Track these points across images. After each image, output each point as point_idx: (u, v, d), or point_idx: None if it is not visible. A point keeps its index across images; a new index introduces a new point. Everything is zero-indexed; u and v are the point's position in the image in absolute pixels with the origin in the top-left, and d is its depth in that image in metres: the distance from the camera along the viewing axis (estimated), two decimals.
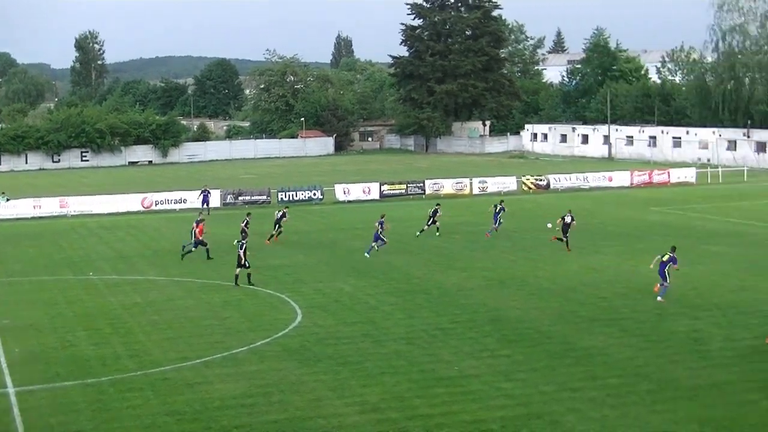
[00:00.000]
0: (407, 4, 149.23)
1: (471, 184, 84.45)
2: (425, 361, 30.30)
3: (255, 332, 34.37)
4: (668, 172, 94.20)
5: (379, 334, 33.88)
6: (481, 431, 24.36)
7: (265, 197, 78.02)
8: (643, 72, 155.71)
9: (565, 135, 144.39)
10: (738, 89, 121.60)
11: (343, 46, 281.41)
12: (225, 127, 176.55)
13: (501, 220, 57.48)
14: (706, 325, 34.40)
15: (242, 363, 30.60)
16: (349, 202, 78.18)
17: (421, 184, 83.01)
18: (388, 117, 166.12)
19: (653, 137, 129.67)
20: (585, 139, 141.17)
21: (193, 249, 50.02)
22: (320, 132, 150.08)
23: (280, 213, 56.66)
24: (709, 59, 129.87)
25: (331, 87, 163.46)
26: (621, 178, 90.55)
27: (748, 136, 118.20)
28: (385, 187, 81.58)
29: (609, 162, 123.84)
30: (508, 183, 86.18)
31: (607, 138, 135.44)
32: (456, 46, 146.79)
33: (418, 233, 56.46)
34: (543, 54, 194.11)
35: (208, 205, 71.08)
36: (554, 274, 44.83)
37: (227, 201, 76.73)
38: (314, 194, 79.23)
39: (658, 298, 38.59)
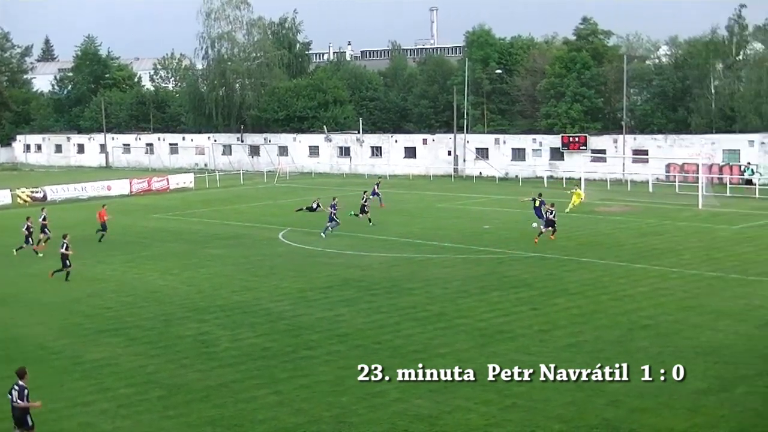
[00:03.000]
0: None
1: None
2: None
3: None
4: (167, 179, 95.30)
5: None
6: None
7: None
8: (136, 80, 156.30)
9: (60, 145, 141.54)
10: (230, 95, 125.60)
11: None
12: None
13: (379, 195, 71.33)
14: (212, 327, 34.96)
15: None
16: None
17: None
18: None
19: (150, 144, 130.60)
20: (81, 148, 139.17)
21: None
22: None
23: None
24: (200, 66, 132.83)
25: None
26: (120, 187, 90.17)
27: (242, 141, 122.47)
28: None
29: (107, 171, 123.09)
30: (2, 196, 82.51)
31: (103, 147, 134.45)
32: None
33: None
34: (32, 62, 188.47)
35: None
36: (57, 288, 43.51)
37: None
38: None
39: (533, 225, 54.89)
